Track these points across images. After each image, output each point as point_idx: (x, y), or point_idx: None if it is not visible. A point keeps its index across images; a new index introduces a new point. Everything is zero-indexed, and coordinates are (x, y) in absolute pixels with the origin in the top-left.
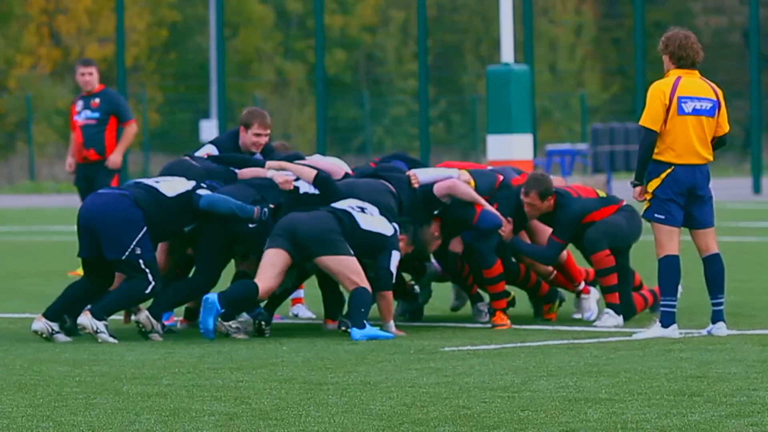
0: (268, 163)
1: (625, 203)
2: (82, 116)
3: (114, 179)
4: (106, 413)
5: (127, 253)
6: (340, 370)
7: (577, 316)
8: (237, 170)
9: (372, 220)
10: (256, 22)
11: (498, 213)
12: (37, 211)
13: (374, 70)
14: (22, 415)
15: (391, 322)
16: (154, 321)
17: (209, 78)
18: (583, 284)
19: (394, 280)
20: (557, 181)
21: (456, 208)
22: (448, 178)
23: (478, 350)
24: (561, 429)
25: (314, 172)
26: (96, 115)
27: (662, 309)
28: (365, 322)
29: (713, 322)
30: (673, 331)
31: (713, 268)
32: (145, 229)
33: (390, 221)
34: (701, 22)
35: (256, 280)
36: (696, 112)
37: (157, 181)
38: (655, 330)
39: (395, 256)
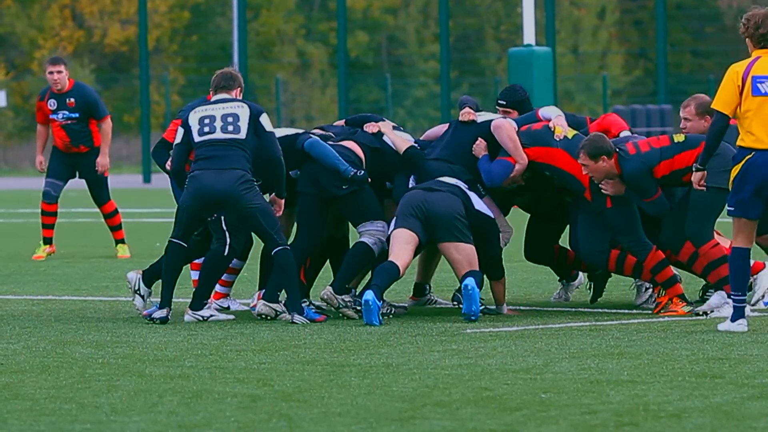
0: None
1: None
2: (61, 116)
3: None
4: (129, 395)
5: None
6: (362, 351)
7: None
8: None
9: (479, 200)
10: (278, 3)
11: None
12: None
13: (396, 52)
14: (45, 397)
15: (504, 305)
16: (337, 296)
17: (231, 60)
18: None
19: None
20: (626, 133)
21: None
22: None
23: (500, 332)
24: (583, 411)
25: (408, 144)
26: (75, 114)
27: (735, 305)
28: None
29: None
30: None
31: None
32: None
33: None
34: (724, 3)
35: (391, 258)
36: None
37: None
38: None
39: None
